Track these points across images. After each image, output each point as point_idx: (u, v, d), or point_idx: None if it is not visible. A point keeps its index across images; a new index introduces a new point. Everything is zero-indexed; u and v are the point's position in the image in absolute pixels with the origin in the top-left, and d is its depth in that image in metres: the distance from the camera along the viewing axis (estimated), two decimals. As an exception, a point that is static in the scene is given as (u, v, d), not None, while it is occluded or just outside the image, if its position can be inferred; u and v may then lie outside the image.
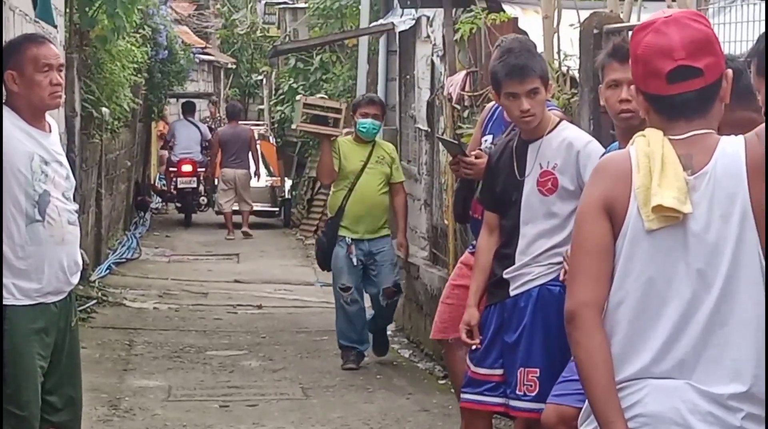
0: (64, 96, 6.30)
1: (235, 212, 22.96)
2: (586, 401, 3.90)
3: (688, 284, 3.76)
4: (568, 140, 6.58)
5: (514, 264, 6.55)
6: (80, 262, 6.34)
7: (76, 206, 6.31)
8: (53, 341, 6.18)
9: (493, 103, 8.35)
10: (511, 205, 6.59)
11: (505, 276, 6.58)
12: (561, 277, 6.18)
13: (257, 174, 24.15)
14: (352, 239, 10.78)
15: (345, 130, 11.43)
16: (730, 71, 3.91)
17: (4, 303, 6.02)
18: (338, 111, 11.11)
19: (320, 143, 11.33)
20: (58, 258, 6.12)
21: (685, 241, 3.75)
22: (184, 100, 27.81)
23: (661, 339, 3.76)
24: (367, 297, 11.15)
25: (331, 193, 11.55)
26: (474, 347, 6.70)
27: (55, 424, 6.27)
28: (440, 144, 7.66)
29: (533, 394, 6.36)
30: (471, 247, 8.27)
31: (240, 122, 25.44)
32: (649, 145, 3.79)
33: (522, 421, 6.68)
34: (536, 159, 6.54)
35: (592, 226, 3.83)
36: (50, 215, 6.08)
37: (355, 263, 10.73)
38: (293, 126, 13.40)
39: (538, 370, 6.48)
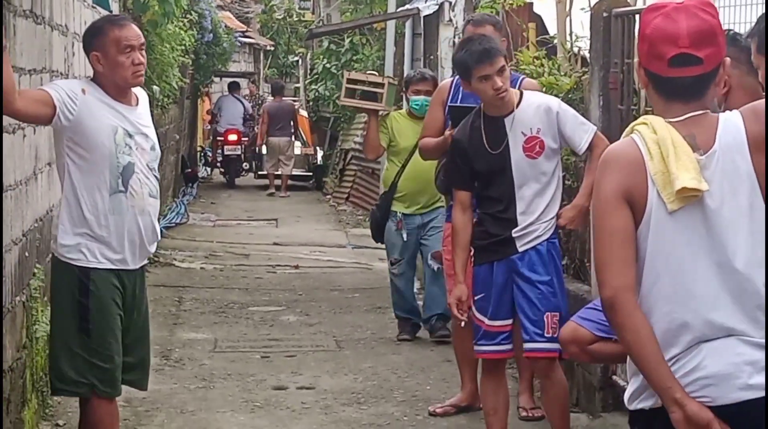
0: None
1: (276, 177, 24.46)
2: (638, 380, 3.87)
3: (713, 256, 3.76)
4: (544, 105, 6.67)
5: (516, 225, 6.56)
6: (158, 231, 6.32)
7: (157, 180, 6.24)
8: (129, 304, 6.19)
9: (447, 81, 8.33)
10: (499, 175, 6.60)
11: (514, 235, 6.58)
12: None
13: (297, 139, 25.54)
14: (403, 214, 10.16)
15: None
16: (728, 59, 3.89)
17: (84, 265, 6.02)
18: (380, 86, 10.40)
19: (367, 118, 10.59)
20: (138, 228, 6.09)
21: (704, 217, 3.75)
22: (230, 80, 28.30)
23: (701, 309, 3.76)
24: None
25: (385, 167, 11.02)
26: (476, 303, 6.75)
27: (126, 381, 6.27)
28: (450, 114, 7.51)
29: (554, 336, 6.38)
30: (448, 217, 8.27)
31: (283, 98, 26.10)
32: (656, 133, 3.77)
33: (528, 364, 6.67)
34: (516, 129, 6.58)
35: (615, 216, 3.80)
36: (132, 187, 6.04)
37: (405, 238, 10.15)
38: (339, 101, 13.03)
39: (558, 314, 6.55)
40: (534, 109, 6.60)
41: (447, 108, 7.77)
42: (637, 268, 3.80)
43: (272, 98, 26.99)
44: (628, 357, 3.94)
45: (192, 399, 8.29)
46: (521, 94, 6.72)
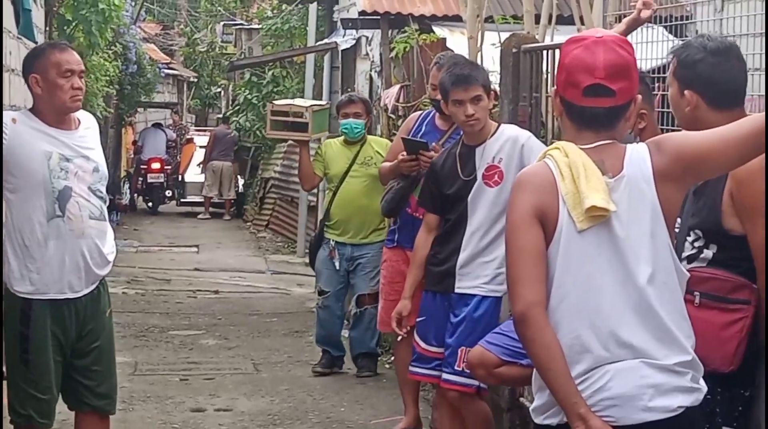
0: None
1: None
2: (545, 395, 3.89)
3: (618, 275, 3.78)
4: (513, 136, 6.64)
5: (458, 252, 6.57)
6: (108, 253, 6.13)
7: (103, 200, 6.10)
8: (78, 332, 6.03)
9: (417, 113, 8.36)
10: (460, 203, 6.61)
11: (457, 270, 6.56)
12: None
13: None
14: (336, 243, 9.69)
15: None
16: (639, 96, 3.94)
17: (26, 297, 5.91)
18: (302, 115, 9.80)
19: (299, 149, 10.01)
20: (80, 252, 5.95)
21: (611, 237, 3.78)
22: (152, 122, 28.79)
23: (606, 328, 3.77)
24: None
25: (325, 195, 10.49)
26: (418, 325, 6.75)
27: (95, 406, 6.19)
28: (406, 146, 7.48)
29: (468, 371, 6.34)
30: (389, 241, 8.25)
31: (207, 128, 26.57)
32: (568, 156, 3.80)
33: (443, 392, 6.66)
34: (484, 158, 6.57)
35: (527, 234, 3.81)
36: (70, 211, 5.90)
37: (337, 267, 9.65)
38: (266, 134, 12.53)
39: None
40: (503, 141, 6.59)
41: (405, 140, 7.71)
42: (547, 284, 3.82)
43: (219, 126, 27.81)
44: (534, 374, 3.96)
45: (111, 420, 8.17)
46: (498, 126, 6.72)
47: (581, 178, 3.74)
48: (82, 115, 6.15)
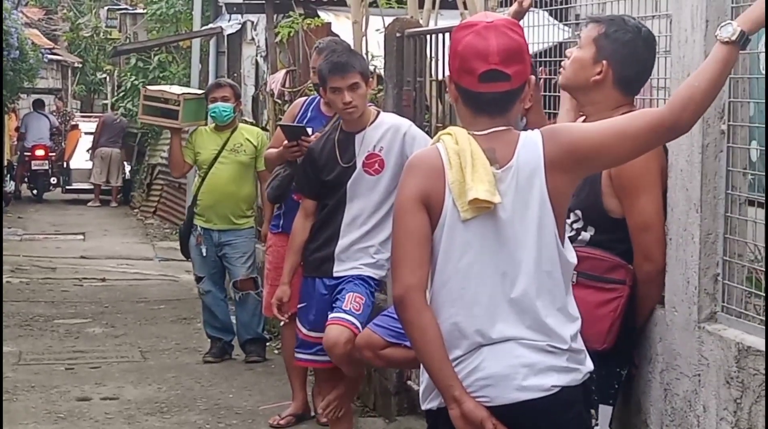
0: None
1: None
2: (424, 382, 3.92)
3: (500, 266, 3.80)
4: (394, 125, 6.64)
5: (338, 237, 6.57)
6: None
7: None
8: None
9: (302, 99, 8.34)
10: (339, 189, 6.61)
11: (336, 254, 6.58)
12: None
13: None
14: (203, 229, 9.68)
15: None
16: (533, 78, 3.97)
17: None
18: (176, 101, 9.84)
19: (170, 136, 10.02)
20: None
21: (496, 227, 3.78)
22: (34, 98, 28.09)
23: (484, 313, 3.80)
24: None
25: (194, 181, 10.57)
26: (299, 311, 6.75)
27: None
28: (283, 131, 7.45)
29: (357, 312, 6.33)
30: (273, 227, 8.26)
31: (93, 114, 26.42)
32: (458, 143, 3.80)
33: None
34: (363, 146, 6.56)
35: (412, 218, 3.82)
36: None
37: (204, 253, 9.68)
38: (138, 118, 12.52)
39: (364, 298, 6.51)
40: (384, 129, 6.58)
41: (282, 127, 7.66)
42: (430, 269, 3.84)
43: (107, 113, 27.62)
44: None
45: (-7, 412, 8.10)
46: (378, 113, 6.72)
47: (468, 168, 3.75)
48: None
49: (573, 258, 3.88)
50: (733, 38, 3.63)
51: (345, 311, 6.30)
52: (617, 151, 3.84)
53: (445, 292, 3.83)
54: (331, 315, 6.36)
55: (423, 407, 3.99)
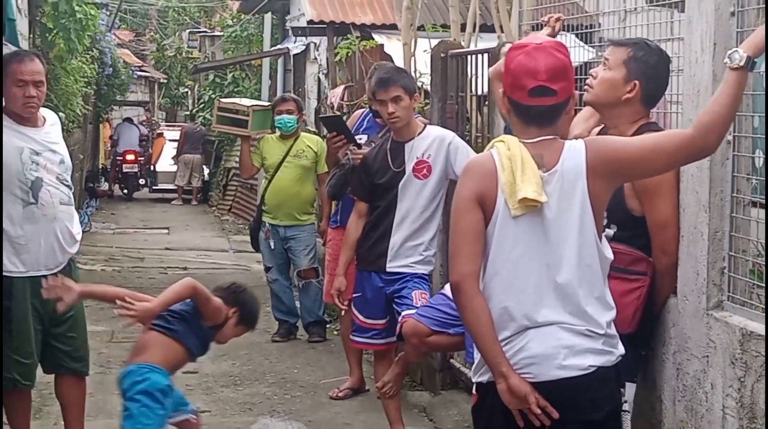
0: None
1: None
2: (477, 357, 3.95)
3: (545, 258, 3.82)
4: (440, 136, 6.63)
5: (390, 235, 6.57)
6: (76, 233, 6.12)
7: (69, 188, 6.07)
8: (54, 303, 6.00)
9: (360, 111, 8.38)
10: (390, 191, 6.60)
11: (389, 253, 6.57)
12: None
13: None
14: (270, 225, 9.78)
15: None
16: (576, 92, 4.00)
17: (8, 275, 5.85)
18: (245, 112, 9.92)
19: (241, 142, 10.19)
20: (54, 233, 5.94)
21: (542, 224, 3.81)
22: (126, 111, 28.47)
23: (530, 300, 3.82)
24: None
25: (261, 183, 10.62)
26: (355, 300, 6.75)
27: (72, 369, 6.19)
28: (322, 123, 7.56)
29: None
30: (332, 222, 8.30)
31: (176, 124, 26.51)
32: (509, 149, 3.83)
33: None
34: (412, 153, 6.56)
35: (468, 215, 3.85)
36: (42, 198, 5.89)
37: (272, 247, 9.75)
38: (213, 127, 12.69)
39: (427, 293, 6.51)
40: (431, 139, 6.58)
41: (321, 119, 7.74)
42: (484, 260, 3.86)
43: (188, 123, 27.44)
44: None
45: (91, 383, 8.06)
46: (425, 125, 6.72)
47: (518, 171, 3.78)
48: (47, 114, 6.12)
49: (609, 254, 3.90)
50: (741, 64, 3.64)
51: (416, 308, 6.29)
52: (651, 165, 3.88)
53: (496, 280, 3.85)
54: (404, 312, 6.33)
55: (474, 380, 4.03)
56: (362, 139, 7.67)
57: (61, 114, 14.28)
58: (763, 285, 4.21)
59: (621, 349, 3.90)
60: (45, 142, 6.00)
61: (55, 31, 12.60)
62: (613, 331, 3.87)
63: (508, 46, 6.70)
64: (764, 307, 4.10)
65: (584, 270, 3.82)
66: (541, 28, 5.74)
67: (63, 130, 6.52)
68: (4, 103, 6.00)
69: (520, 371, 3.80)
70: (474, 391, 4.07)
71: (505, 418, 3.86)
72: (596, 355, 3.83)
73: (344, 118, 8.33)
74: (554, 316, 3.81)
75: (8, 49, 9.62)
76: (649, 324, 4.59)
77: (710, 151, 3.78)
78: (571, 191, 3.80)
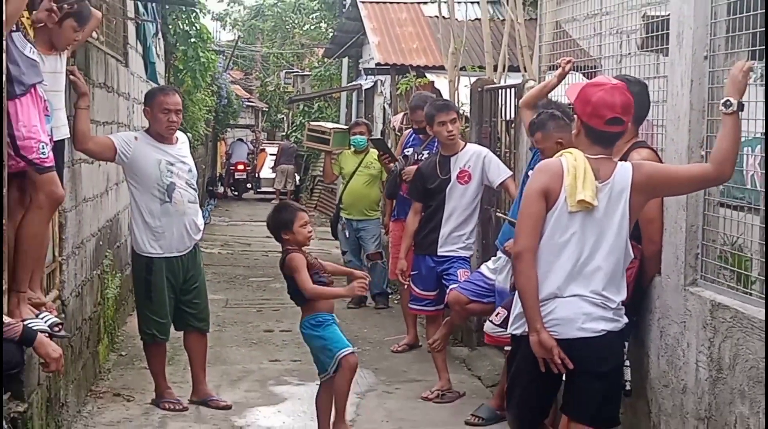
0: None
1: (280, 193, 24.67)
2: (518, 308, 3.97)
3: (585, 248, 3.86)
4: (477, 152, 6.65)
5: (440, 227, 6.56)
6: (200, 224, 6.21)
7: (195, 190, 6.14)
8: (183, 277, 6.11)
9: (407, 131, 8.42)
10: (439, 194, 6.59)
11: (440, 241, 6.57)
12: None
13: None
14: (346, 219, 9.70)
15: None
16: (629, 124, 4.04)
17: (149, 255, 5.97)
18: (328, 133, 10.06)
19: (325, 155, 10.25)
20: (183, 225, 6.04)
21: (590, 222, 3.86)
22: (237, 134, 28.81)
23: (565, 276, 3.87)
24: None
25: (339, 187, 10.70)
26: (413, 277, 6.76)
27: (196, 327, 6.28)
28: (372, 144, 7.75)
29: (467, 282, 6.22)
30: (393, 217, 8.35)
31: (275, 142, 26.69)
32: (576, 160, 3.87)
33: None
34: (456, 164, 6.56)
35: (535, 203, 3.89)
36: (175, 198, 5.98)
37: (347, 235, 9.74)
38: (304, 144, 12.85)
39: (468, 271, 6.50)
40: (470, 154, 6.60)
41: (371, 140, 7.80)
42: (540, 239, 3.89)
43: (283, 141, 27.63)
44: (514, 300, 4.05)
45: (210, 338, 8.15)
46: (465, 143, 6.73)
47: (580, 178, 3.81)
48: (179, 134, 6.21)
49: (632, 253, 3.94)
50: (735, 109, 3.64)
51: (459, 283, 6.31)
52: (677, 188, 3.96)
53: (544, 257, 3.88)
54: (451, 286, 6.34)
55: (509, 331, 4.08)
56: (409, 151, 7.78)
57: (188, 134, 14.44)
58: (728, 267, 4.16)
59: (625, 319, 3.95)
60: (177, 156, 6.08)
61: (184, 72, 12.75)
62: (620, 307, 3.90)
63: (531, 82, 6.70)
64: (731, 283, 4.06)
65: (611, 263, 3.85)
66: (556, 69, 5.70)
67: (190, 146, 6.59)
68: (149, 125, 6.08)
69: (548, 329, 3.83)
70: (510, 341, 4.14)
71: (532, 364, 3.88)
72: (607, 322, 3.87)
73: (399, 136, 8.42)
74: (578, 291, 3.83)
75: (150, 85, 9.76)
76: (639, 296, 4.54)
77: (726, 179, 3.79)
78: (616, 201, 3.83)
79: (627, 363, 4.33)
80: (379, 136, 7.73)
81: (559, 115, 5.05)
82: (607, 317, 3.89)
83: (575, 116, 3.99)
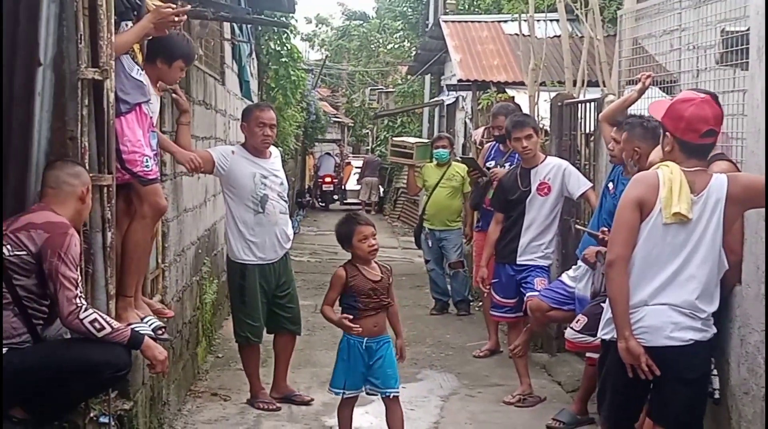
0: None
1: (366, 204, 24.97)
2: (608, 314, 3.93)
3: (679, 259, 3.82)
4: (557, 164, 6.61)
5: (520, 236, 6.51)
6: (290, 234, 6.28)
7: (285, 202, 6.22)
8: (276, 282, 6.18)
9: (489, 143, 8.39)
10: (521, 203, 6.55)
11: (519, 250, 6.54)
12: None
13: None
14: (429, 229, 9.68)
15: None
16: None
17: (243, 262, 6.04)
18: (411, 147, 10.15)
19: (408, 169, 10.30)
20: (275, 234, 6.12)
21: (684, 234, 3.80)
22: (325, 150, 29.39)
23: (656, 285, 3.81)
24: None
25: (422, 198, 10.74)
26: (493, 285, 6.72)
27: (290, 330, 6.36)
28: (462, 162, 7.80)
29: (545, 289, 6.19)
30: (477, 226, 8.31)
31: (360, 155, 26.82)
32: (672, 173, 3.82)
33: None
34: (536, 177, 6.51)
35: (630, 213, 3.84)
36: (268, 209, 6.08)
37: (430, 245, 9.74)
38: (388, 158, 13.00)
39: (546, 280, 6.46)
40: (550, 167, 6.56)
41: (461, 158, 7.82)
42: (633, 248, 3.83)
43: (367, 154, 28.08)
44: (605, 306, 3.99)
45: (300, 341, 8.23)
46: (545, 156, 6.68)
47: (675, 190, 3.76)
48: (272, 149, 6.29)
49: (726, 264, 3.86)
50: None
51: (538, 291, 6.27)
52: None
53: (637, 264, 3.82)
54: (529, 293, 6.33)
55: (599, 335, 4.03)
56: (491, 163, 7.75)
57: (280, 149, 14.64)
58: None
59: (714, 329, 3.89)
60: (270, 169, 6.16)
61: (276, 89, 12.92)
62: (710, 317, 3.83)
63: (611, 96, 6.62)
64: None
65: (705, 272, 3.79)
66: (635, 84, 5.63)
67: (281, 160, 6.67)
68: (245, 139, 6.17)
69: (637, 336, 3.78)
70: (601, 345, 4.08)
71: (621, 369, 3.84)
72: (695, 332, 3.81)
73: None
74: (669, 300, 3.77)
75: (244, 102, 9.92)
76: (720, 305, 4.44)
77: None
78: (711, 213, 3.77)
79: (714, 372, 4.24)
80: (469, 155, 7.79)
81: (650, 127, 4.95)
82: (696, 327, 3.82)
83: (666, 133, 3.92)
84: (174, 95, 5.71)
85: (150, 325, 4.53)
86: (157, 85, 4.85)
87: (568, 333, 5.46)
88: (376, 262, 5.31)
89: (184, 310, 6.37)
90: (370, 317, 5.20)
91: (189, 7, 5.35)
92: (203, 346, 7.20)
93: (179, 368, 6.06)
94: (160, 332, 4.58)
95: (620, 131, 5.17)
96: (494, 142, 8.09)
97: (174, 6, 4.60)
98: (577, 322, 5.34)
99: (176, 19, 4.44)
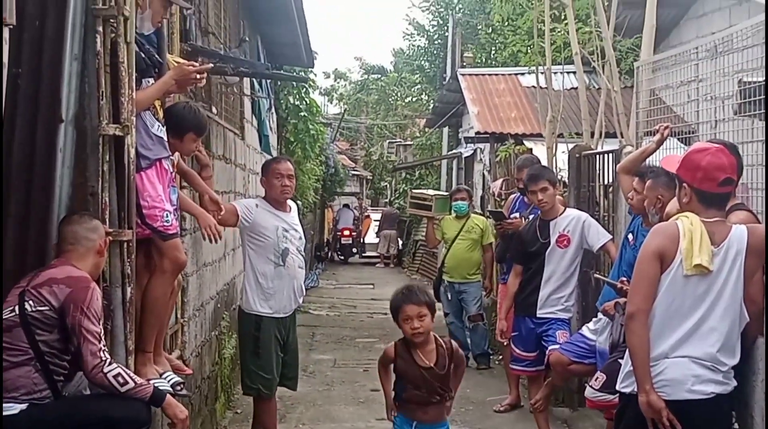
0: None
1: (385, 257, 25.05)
2: (627, 367, 3.89)
3: (700, 311, 3.78)
4: (576, 216, 6.62)
5: (539, 289, 6.49)
6: (304, 289, 6.33)
7: (303, 256, 6.25)
8: (286, 336, 6.20)
9: (513, 195, 8.40)
10: (540, 255, 6.53)
11: (539, 303, 6.53)
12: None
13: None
14: (448, 282, 9.62)
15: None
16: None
17: (258, 314, 6.03)
18: (430, 200, 10.19)
19: (427, 221, 10.27)
20: (292, 287, 6.14)
21: (705, 285, 3.77)
22: (343, 201, 29.74)
23: (678, 338, 3.78)
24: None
25: (441, 251, 10.73)
26: (513, 338, 6.68)
27: (285, 384, 6.33)
28: (490, 215, 7.81)
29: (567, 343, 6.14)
30: (502, 278, 8.26)
31: (378, 208, 26.90)
32: (692, 224, 3.80)
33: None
34: (555, 228, 6.51)
35: (650, 265, 3.81)
36: (288, 262, 6.10)
37: (449, 298, 9.67)
38: (407, 211, 13.01)
39: (567, 333, 6.44)
40: (570, 219, 6.57)
41: (489, 212, 7.85)
42: (654, 299, 3.80)
43: (385, 207, 28.16)
44: (624, 360, 3.94)
45: (320, 396, 8.27)
46: (565, 207, 6.70)
47: (696, 242, 3.73)
48: (291, 203, 6.32)
49: (746, 315, 3.82)
50: None
51: (560, 344, 6.24)
52: None
53: (658, 316, 3.79)
54: (550, 347, 6.29)
55: (617, 387, 3.97)
56: (516, 215, 7.72)
57: (298, 202, 14.72)
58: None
59: (734, 382, 3.83)
60: (291, 223, 6.20)
61: (295, 143, 13.04)
62: (731, 370, 3.80)
63: (629, 148, 6.64)
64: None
65: (726, 325, 3.75)
66: (653, 134, 5.64)
67: (299, 213, 6.71)
68: (265, 193, 6.22)
69: (657, 390, 3.74)
70: (619, 398, 4.02)
71: (641, 424, 3.81)
72: (717, 385, 3.77)
73: (502, 202, 8.38)
74: (690, 352, 3.74)
75: (264, 157, 10.00)
76: (742, 357, 4.39)
77: None
78: (731, 265, 3.75)
79: (736, 426, 4.18)
80: (496, 209, 7.82)
81: (674, 176, 4.97)
82: (717, 380, 3.78)
83: (684, 185, 3.91)
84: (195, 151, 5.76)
85: (169, 381, 4.52)
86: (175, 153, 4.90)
87: (588, 392, 5.40)
88: (439, 342, 4.67)
89: (203, 365, 6.36)
90: (418, 406, 4.64)
91: (211, 65, 5.42)
92: (222, 401, 7.18)
93: (198, 424, 6.03)
94: (178, 388, 4.56)
95: (642, 181, 5.18)
96: (518, 195, 8.10)
97: (195, 63, 4.66)
98: (596, 381, 5.29)
99: (198, 76, 4.50)
